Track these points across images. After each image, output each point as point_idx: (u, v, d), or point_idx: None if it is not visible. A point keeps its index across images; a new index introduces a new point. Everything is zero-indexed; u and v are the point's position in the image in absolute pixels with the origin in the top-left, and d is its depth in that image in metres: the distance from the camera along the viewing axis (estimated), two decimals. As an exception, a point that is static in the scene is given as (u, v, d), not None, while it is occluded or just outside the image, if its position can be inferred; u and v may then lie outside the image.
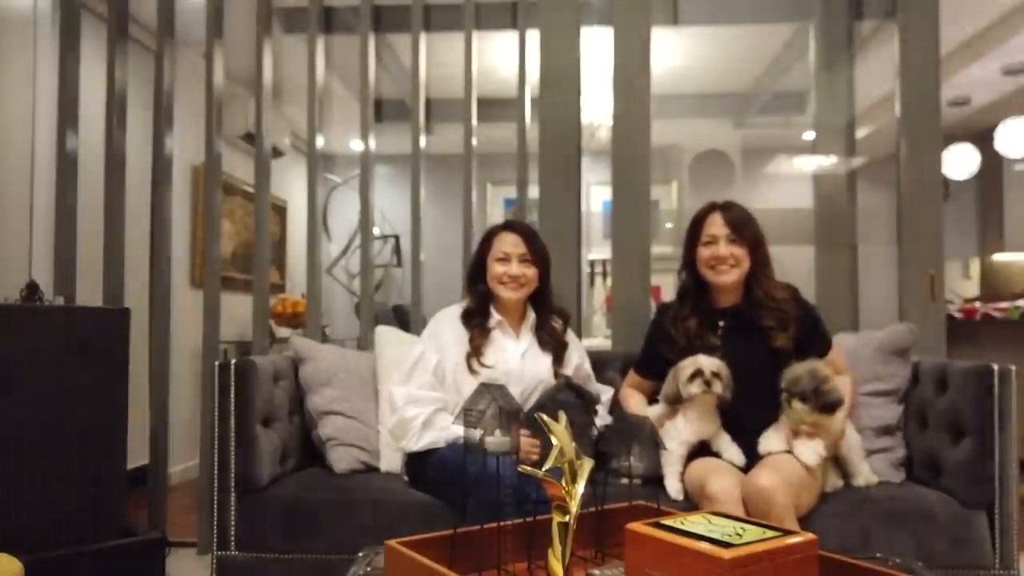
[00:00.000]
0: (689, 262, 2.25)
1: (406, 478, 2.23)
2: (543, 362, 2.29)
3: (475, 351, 2.22)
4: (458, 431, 2.00)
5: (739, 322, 2.18)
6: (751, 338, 2.13)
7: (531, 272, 2.28)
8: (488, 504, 1.69)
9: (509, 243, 2.28)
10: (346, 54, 3.24)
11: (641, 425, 1.53)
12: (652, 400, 2.29)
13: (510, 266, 2.26)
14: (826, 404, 1.94)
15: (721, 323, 2.20)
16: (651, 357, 2.30)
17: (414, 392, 2.19)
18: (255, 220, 3.08)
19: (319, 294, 3.15)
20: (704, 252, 2.19)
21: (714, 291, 2.23)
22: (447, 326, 2.30)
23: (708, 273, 2.19)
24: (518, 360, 2.26)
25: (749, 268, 2.17)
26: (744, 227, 2.16)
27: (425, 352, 2.25)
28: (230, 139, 4.43)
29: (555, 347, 2.32)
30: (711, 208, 2.22)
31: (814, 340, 2.17)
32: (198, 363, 3.16)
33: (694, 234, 2.22)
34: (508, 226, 2.34)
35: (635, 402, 2.30)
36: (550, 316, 2.36)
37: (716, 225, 2.18)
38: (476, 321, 2.27)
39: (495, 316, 2.29)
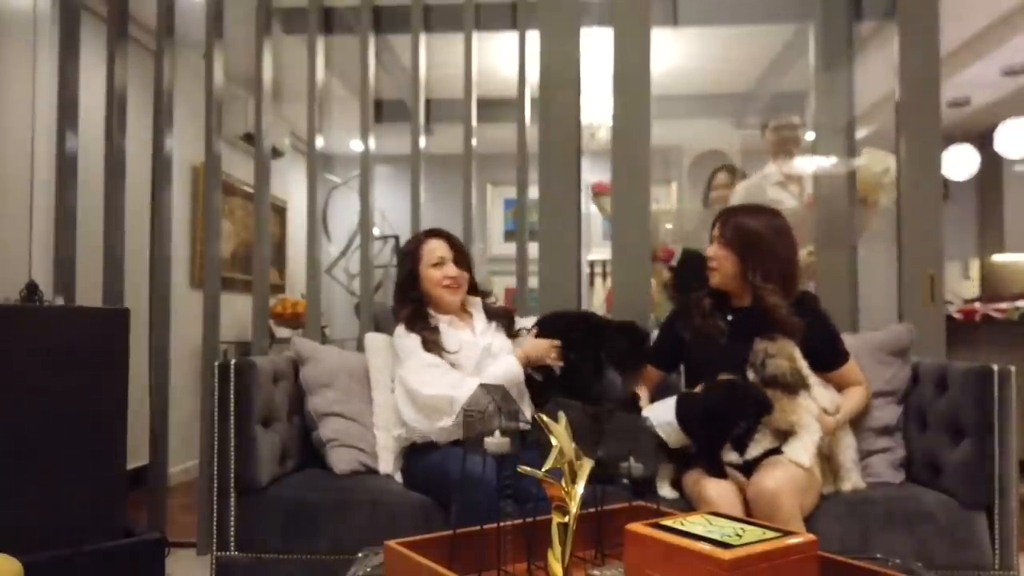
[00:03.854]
0: None
1: (399, 479, 2.23)
2: (503, 340, 2.38)
3: (431, 344, 2.22)
4: (505, 369, 2.20)
5: (745, 322, 2.19)
6: (756, 335, 2.12)
7: (464, 274, 2.38)
8: (474, 505, 1.70)
9: (440, 248, 2.37)
10: (346, 54, 3.24)
11: (641, 427, 1.53)
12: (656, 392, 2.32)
13: (447, 268, 2.34)
14: (763, 378, 1.97)
15: (729, 317, 2.23)
16: (665, 345, 2.34)
17: (433, 377, 2.17)
18: (255, 220, 3.08)
19: (319, 294, 3.14)
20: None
21: (728, 292, 2.26)
22: (407, 338, 2.28)
23: None
24: (485, 345, 2.30)
25: (740, 273, 2.18)
26: (733, 232, 2.19)
27: (420, 353, 2.24)
28: (230, 139, 4.43)
29: (503, 319, 2.44)
30: (720, 212, 2.31)
31: (824, 350, 2.17)
32: (198, 363, 3.16)
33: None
34: (433, 233, 2.42)
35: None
36: (481, 297, 2.49)
37: (715, 227, 2.25)
38: (420, 324, 2.28)
39: (442, 318, 2.33)
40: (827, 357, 2.17)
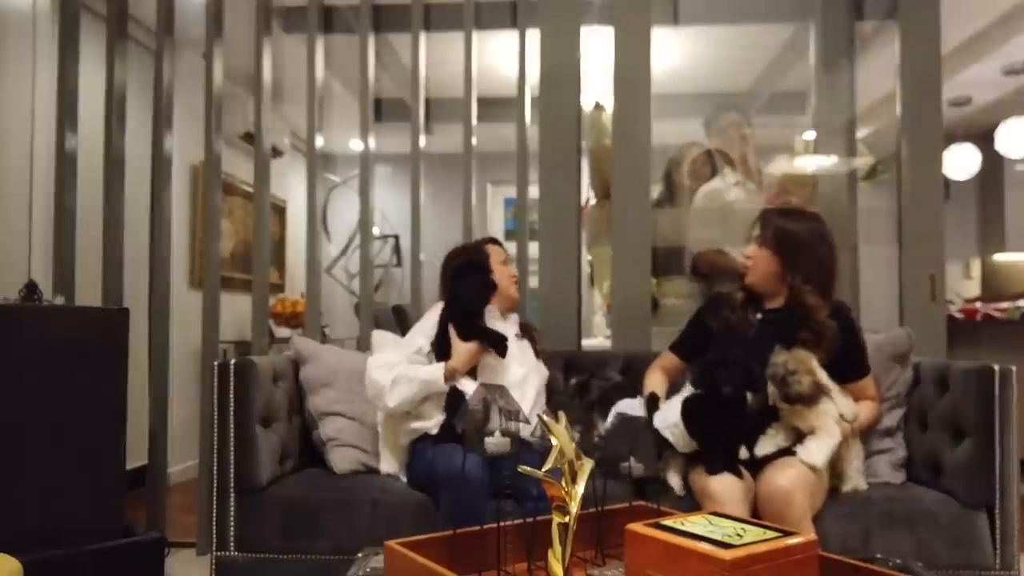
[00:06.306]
0: None
1: (403, 478, 2.24)
2: (527, 353, 2.39)
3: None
4: (428, 374, 2.14)
5: (775, 323, 2.18)
6: (783, 339, 2.08)
7: None
8: (460, 502, 1.72)
9: (502, 250, 2.50)
10: (346, 54, 3.24)
11: (641, 426, 1.53)
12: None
13: (511, 267, 2.47)
14: (786, 395, 1.94)
15: (759, 316, 2.23)
16: (691, 339, 2.32)
17: (386, 358, 2.22)
18: (255, 220, 3.08)
19: (318, 294, 3.14)
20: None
21: (761, 292, 2.25)
22: (430, 320, 2.35)
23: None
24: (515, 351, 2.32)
25: (779, 274, 2.18)
26: (775, 234, 2.18)
27: (415, 336, 2.31)
28: (230, 139, 4.43)
29: (531, 336, 2.46)
30: (760, 213, 2.29)
31: (849, 362, 2.15)
32: (197, 363, 3.16)
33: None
34: (487, 240, 2.53)
35: (653, 380, 2.32)
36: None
37: (755, 227, 2.25)
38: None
39: (491, 308, 2.34)
40: (851, 368, 2.16)
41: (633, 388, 2.34)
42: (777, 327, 2.14)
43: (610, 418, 2.13)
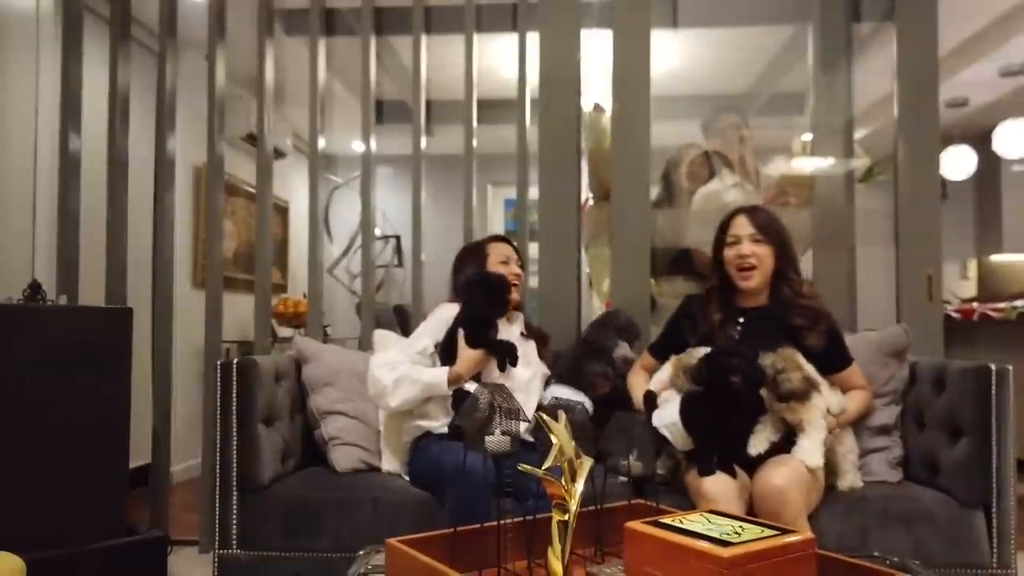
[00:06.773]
0: (717, 264, 2.30)
1: (405, 476, 2.25)
2: (531, 349, 2.41)
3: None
4: (432, 377, 2.16)
5: (762, 321, 2.19)
6: (772, 336, 2.11)
7: (521, 276, 2.49)
8: (464, 498, 1.73)
9: (506, 248, 2.50)
10: (347, 56, 3.25)
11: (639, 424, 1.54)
12: None
13: (512, 267, 2.45)
14: (779, 395, 1.96)
15: (741, 319, 2.23)
16: (668, 340, 2.33)
17: (389, 357, 2.24)
18: (257, 220, 3.09)
19: (320, 294, 3.16)
20: (729, 252, 2.23)
21: (739, 293, 2.26)
22: (438, 314, 2.37)
23: (734, 275, 2.23)
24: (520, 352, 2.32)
25: (774, 268, 2.20)
26: (768, 228, 2.20)
27: (420, 336, 2.32)
28: (232, 140, 4.44)
29: (539, 339, 2.48)
30: (737, 211, 2.28)
31: (830, 352, 2.17)
32: (200, 362, 3.17)
33: (721, 236, 2.28)
34: (496, 237, 2.56)
35: (640, 380, 2.33)
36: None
37: (740, 226, 2.22)
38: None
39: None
40: (832, 360, 2.17)
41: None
42: (766, 323, 2.16)
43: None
